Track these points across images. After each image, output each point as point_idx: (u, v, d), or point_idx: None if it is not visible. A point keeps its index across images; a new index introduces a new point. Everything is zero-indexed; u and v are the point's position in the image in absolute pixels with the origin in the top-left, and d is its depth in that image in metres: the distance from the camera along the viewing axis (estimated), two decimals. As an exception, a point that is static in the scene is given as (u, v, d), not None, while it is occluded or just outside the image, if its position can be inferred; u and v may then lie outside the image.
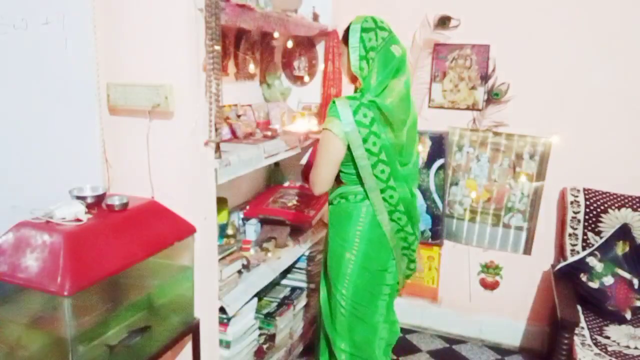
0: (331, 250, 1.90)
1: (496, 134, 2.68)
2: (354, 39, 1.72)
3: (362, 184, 1.78)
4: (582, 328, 2.19)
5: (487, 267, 2.83)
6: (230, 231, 2.27)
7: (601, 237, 2.44)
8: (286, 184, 2.87)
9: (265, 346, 2.24)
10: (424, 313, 2.96)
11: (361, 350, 1.91)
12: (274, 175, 2.85)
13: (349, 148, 1.71)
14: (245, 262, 2.06)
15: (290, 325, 2.44)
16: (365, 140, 1.69)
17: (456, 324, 2.92)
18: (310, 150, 2.78)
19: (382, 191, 1.78)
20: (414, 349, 2.76)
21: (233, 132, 2.18)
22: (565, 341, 2.08)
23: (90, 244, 1.31)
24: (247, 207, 2.50)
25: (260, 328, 2.21)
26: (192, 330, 1.72)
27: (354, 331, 1.89)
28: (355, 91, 1.85)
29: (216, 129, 1.66)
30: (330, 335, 1.95)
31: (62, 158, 1.60)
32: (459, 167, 2.77)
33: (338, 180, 1.86)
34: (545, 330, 2.71)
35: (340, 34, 2.63)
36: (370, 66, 1.71)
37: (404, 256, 1.94)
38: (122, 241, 1.41)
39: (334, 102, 1.71)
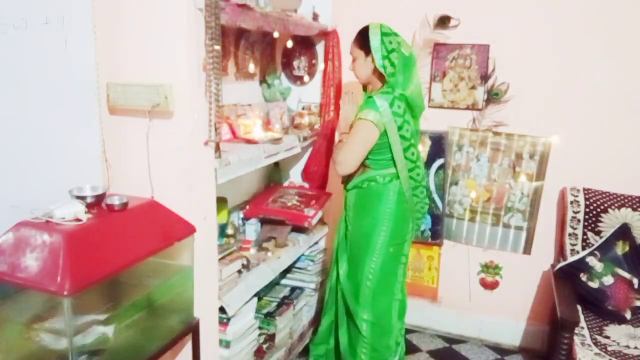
0: (359, 230, 2.14)
1: (496, 134, 2.68)
2: (375, 42, 2.00)
3: (395, 166, 2.07)
4: (582, 328, 2.19)
5: (487, 267, 2.83)
6: (230, 231, 2.27)
7: (601, 237, 2.43)
8: (286, 184, 2.87)
9: (265, 346, 2.24)
10: (424, 313, 2.96)
11: (381, 319, 2.16)
12: (274, 175, 2.85)
13: (384, 136, 2.01)
14: (245, 262, 2.06)
15: (290, 325, 2.44)
16: (400, 128, 2.01)
17: (456, 324, 2.92)
18: (310, 151, 2.78)
19: (410, 170, 2.11)
20: (414, 349, 2.76)
21: (233, 132, 2.18)
22: (565, 341, 2.08)
23: (90, 244, 1.31)
24: (247, 207, 2.50)
25: (260, 328, 2.20)
26: (192, 330, 1.72)
27: (376, 300, 2.13)
28: (365, 90, 2.21)
29: (216, 129, 1.66)
30: (353, 309, 2.15)
31: (62, 158, 1.60)
32: (459, 167, 2.77)
33: (362, 167, 2.12)
34: (545, 330, 2.71)
35: (341, 35, 2.66)
36: (396, 66, 2.01)
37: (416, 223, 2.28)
38: (122, 241, 1.40)
39: (372, 97, 2.02)
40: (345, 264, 2.20)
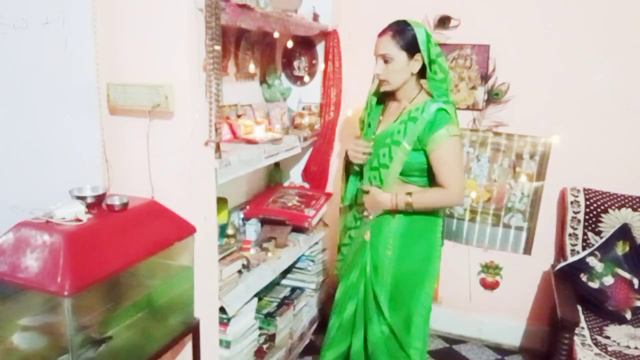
0: (414, 257, 1.88)
1: (496, 134, 2.68)
2: (424, 43, 1.74)
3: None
4: (582, 328, 2.19)
5: (487, 267, 2.83)
6: (230, 231, 2.27)
7: (601, 237, 2.43)
8: (286, 184, 2.87)
9: (265, 346, 2.24)
10: (424, 313, 2.96)
11: (425, 342, 1.99)
12: (274, 175, 2.85)
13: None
14: (245, 262, 2.06)
15: (290, 325, 2.44)
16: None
17: (456, 324, 2.92)
18: (310, 151, 2.78)
19: None
20: (414, 349, 2.76)
21: (233, 132, 2.18)
22: (565, 341, 2.08)
23: (90, 244, 1.31)
24: (247, 207, 2.50)
25: (260, 328, 2.20)
26: (192, 330, 1.72)
27: (426, 326, 1.98)
28: (379, 100, 1.97)
29: (216, 129, 1.67)
30: (404, 341, 1.91)
31: (62, 158, 1.60)
32: (459, 167, 2.77)
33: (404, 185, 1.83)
34: (545, 330, 2.71)
35: (341, 35, 2.65)
36: (446, 71, 1.79)
37: None
38: (122, 241, 1.40)
39: (443, 109, 1.73)
40: (386, 304, 1.89)
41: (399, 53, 1.75)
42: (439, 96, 1.79)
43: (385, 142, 1.82)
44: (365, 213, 1.93)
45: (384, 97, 1.96)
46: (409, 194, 1.78)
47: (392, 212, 1.84)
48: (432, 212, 1.86)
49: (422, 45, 1.73)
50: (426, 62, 1.75)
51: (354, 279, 1.97)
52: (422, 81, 1.84)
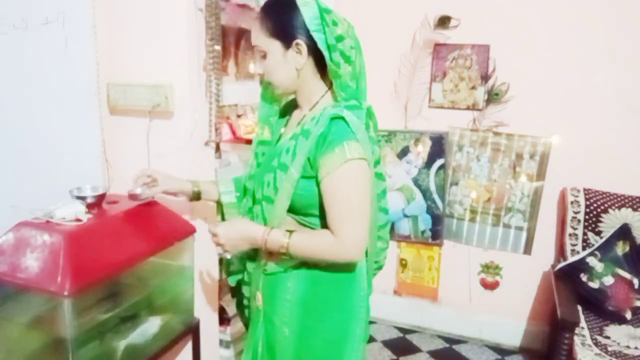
0: (318, 338, 1.28)
1: (496, 134, 2.68)
2: (315, 26, 1.21)
3: None
4: (582, 328, 2.18)
5: (487, 267, 2.83)
6: (230, 231, 2.27)
7: (601, 237, 2.43)
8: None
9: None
10: (424, 313, 2.96)
11: None
12: (274, 175, 2.84)
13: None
14: (245, 262, 2.05)
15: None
16: (376, 162, 1.32)
17: (456, 324, 2.92)
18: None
19: (380, 228, 1.41)
20: (414, 349, 2.76)
21: (233, 132, 2.18)
22: (565, 341, 2.08)
23: (90, 244, 1.31)
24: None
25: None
26: (192, 330, 1.72)
27: None
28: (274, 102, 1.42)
29: (216, 129, 1.67)
30: None
31: (62, 158, 1.60)
32: (459, 167, 2.77)
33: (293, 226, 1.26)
34: (545, 330, 2.70)
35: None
36: (352, 61, 1.27)
37: None
38: (122, 241, 1.40)
39: (340, 117, 1.17)
40: None
41: (269, 43, 1.22)
42: (347, 99, 1.24)
43: (271, 165, 1.26)
44: (218, 250, 1.31)
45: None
46: (290, 231, 1.21)
47: (282, 264, 1.26)
48: (344, 268, 1.25)
49: (311, 26, 1.17)
50: (322, 50, 1.18)
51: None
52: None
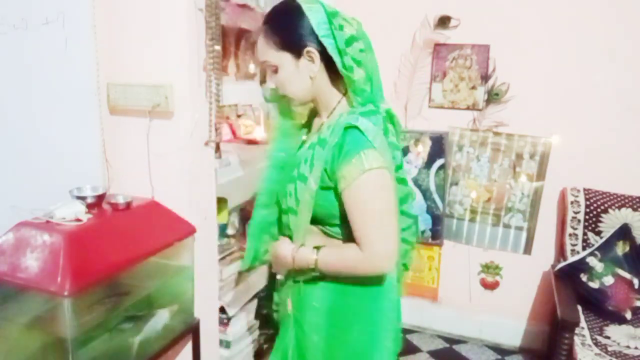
0: (344, 348, 1.27)
1: (496, 134, 2.68)
2: (323, 31, 1.20)
3: None
4: (582, 328, 2.18)
5: (487, 267, 2.83)
6: (230, 231, 2.27)
7: (601, 237, 2.43)
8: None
9: (265, 346, 2.23)
10: (424, 313, 2.96)
11: None
12: (274, 175, 2.84)
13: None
14: (245, 262, 2.05)
15: (290, 325, 2.43)
16: (398, 168, 1.29)
17: (456, 324, 2.92)
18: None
19: (405, 229, 1.38)
20: (414, 349, 2.76)
21: (233, 132, 2.18)
22: (566, 341, 2.08)
23: (90, 244, 1.31)
24: (247, 207, 2.49)
25: (260, 328, 2.20)
26: (192, 330, 1.72)
27: None
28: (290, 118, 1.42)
29: (216, 129, 1.67)
30: None
31: (62, 158, 1.60)
32: (459, 167, 2.77)
33: (320, 237, 1.26)
34: (545, 330, 2.71)
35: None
36: (363, 64, 1.24)
37: None
38: (122, 241, 1.40)
39: (355, 127, 1.14)
40: None
41: (279, 56, 1.19)
42: (363, 103, 1.21)
43: (292, 175, 1.24)
44: (274, 270, 1.40)
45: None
46: (318, 247, 1.21)
47: (311, 275, 1.24)
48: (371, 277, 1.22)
49: (320, 32, 1.14)
50: (333, 55, 1.15)
51: None
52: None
